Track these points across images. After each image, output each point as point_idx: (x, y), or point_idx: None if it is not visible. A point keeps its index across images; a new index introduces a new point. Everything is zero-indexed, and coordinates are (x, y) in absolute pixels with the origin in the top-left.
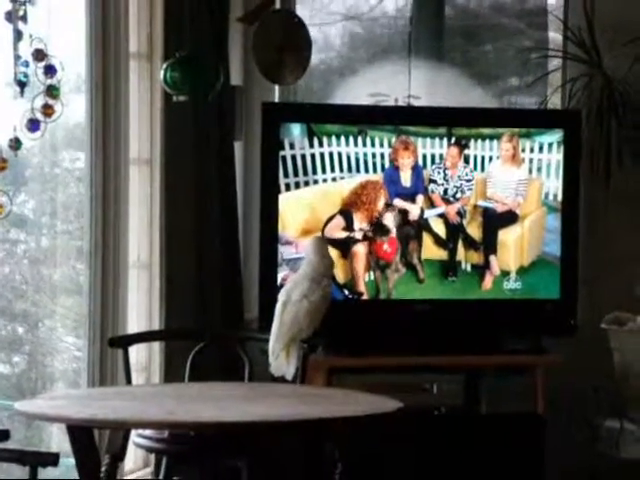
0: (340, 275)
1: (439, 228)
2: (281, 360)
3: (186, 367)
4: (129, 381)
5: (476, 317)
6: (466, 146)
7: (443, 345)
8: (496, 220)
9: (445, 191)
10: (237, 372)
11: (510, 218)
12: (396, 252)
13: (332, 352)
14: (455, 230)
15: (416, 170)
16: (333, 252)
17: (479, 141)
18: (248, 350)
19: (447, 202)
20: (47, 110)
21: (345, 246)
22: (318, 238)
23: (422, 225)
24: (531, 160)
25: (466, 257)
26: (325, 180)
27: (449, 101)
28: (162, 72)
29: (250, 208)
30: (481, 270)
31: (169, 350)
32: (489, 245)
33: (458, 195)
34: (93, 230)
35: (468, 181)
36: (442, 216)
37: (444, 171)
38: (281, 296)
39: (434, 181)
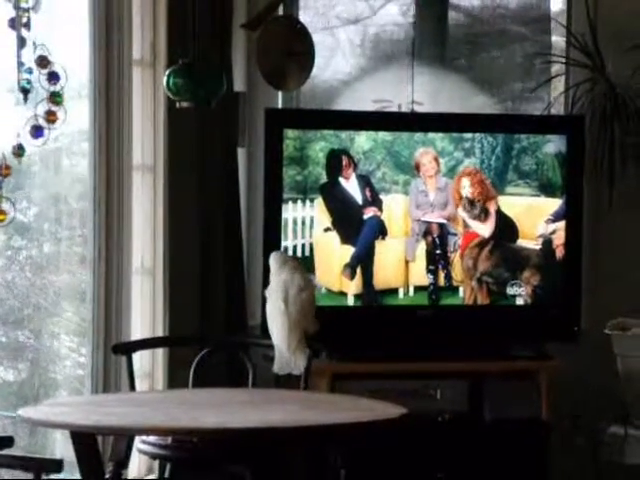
0: (347, 282)
1: (438, 235)
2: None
3: (190, 373)
4: (133, 388)
5: (480, 323)
6: (470, 152)
7: (447, 351)
8: (501, 227)
9: (446, 198)
10: (241, 378)
11: (514, 225)
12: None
13: (336, 358)
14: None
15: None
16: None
17: (483, 146)
18: (252, 356)
19: (445, 209)
20: (50, 117)
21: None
22: (276, 253)
23: (425, 232)
24: (536, 165)
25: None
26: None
27: (452, 107)
28: (165, 78)
29: (253, 214)
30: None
31: (173, 356)
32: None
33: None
34: (96, 236)
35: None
36: (442, 225)
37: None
38: (277, 292)
39: (439, 188)
